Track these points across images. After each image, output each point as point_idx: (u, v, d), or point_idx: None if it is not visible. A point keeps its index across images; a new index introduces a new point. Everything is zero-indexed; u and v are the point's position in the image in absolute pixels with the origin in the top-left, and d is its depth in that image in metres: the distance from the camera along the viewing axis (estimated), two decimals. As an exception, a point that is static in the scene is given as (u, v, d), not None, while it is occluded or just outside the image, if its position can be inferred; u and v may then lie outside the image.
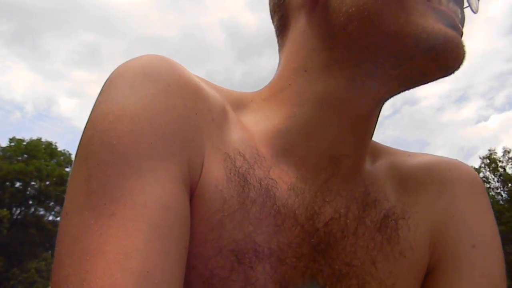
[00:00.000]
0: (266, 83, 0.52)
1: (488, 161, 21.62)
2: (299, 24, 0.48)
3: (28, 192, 25.93)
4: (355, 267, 0.44)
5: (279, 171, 0.44)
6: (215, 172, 0.41)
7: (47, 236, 24.28)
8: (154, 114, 0.38)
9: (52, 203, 26.26)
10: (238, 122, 0.46)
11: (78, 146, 0.38)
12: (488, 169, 21.44)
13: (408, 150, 0.54)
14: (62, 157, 28.44)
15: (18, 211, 26.17)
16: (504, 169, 21.38)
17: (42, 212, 26.10)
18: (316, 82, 0.45)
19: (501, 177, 21.13)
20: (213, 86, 0.47)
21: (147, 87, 0.39)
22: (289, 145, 0.46)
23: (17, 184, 25.71)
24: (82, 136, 0.38)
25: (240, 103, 0.49)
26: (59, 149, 28.85)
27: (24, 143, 28.13)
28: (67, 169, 27.57)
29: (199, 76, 0.45)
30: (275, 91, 0.48)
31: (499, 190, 21.24)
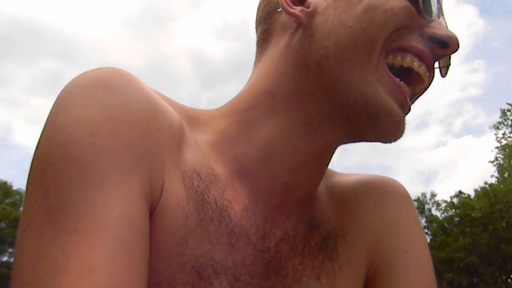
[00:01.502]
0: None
1: (416, 204, 24.25)
2: (279, 45, 0.49)
3: (-18, 235, 25.91)
4: (303, 283, 0.47)
5: (233, 192, 0.46)
6: (176, 190, 0.41)
7: (0, 279, 24.29)
8: (115, 127, 0.37)
9: (6, 246, 26.32)
10: (194, 141, 0.46)
11: (33, 159, 0.37)
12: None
13: (372, 173, 0.60)
14: (17, 196, 28.61)
15: (-30, 254, 26.01)
16: (430, 211, 24.05)
17: (-5, 254, 26.10)
18: (279, 111, 0.47)
19: (427, 218, 23.74)
20: (169, 101, 0.47)
21: (106, 99, 0.37)
22: (244, 168, 0.47)
23: (-29, 227, 25.68)
24: (37, 147, 0.37)
25: (196, 120, 0.49)
26: (14, 188, 29.06)
27: (-22, 183, 28.17)
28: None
29: (155, 90, 0.45)
30: (238, 109, 0.49)
31: (425, 230, 23.77)
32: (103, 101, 0.37)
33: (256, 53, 0.54)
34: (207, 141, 0.48)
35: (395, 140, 0.45)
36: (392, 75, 0.45)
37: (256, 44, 0.54)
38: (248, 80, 0.52)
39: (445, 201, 23.50)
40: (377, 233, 0.54)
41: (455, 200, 22.75)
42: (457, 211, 21.59)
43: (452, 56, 0.49)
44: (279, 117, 0.47)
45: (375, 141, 0.47)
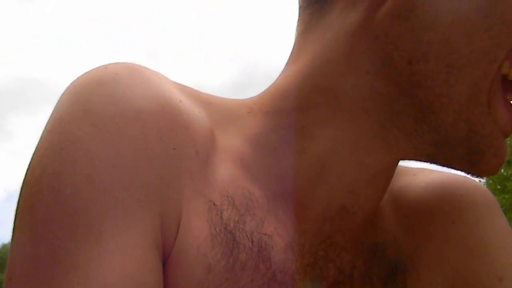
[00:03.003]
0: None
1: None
2: (348, 19, 0.34)
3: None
4: None
5: (275, 222, 0.35)
6: (197, 229, 0.32)
7: None
8: (119, 155, 0.29)
9: None
10: (226, 152, 0.36)
11: (23, 183, 0.30)
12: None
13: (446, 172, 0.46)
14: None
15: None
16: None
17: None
18: (343, 116, 0.35)
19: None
20: (197, 97, 0.37)
21: (110, 115, 0.29)
22: (292, 188, 0.37)
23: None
24: (28, 169, 0.30)
25: (230, 118, 0.38)
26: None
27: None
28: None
29: (179, 84, 0.36)
30: (285, 107, 0.36)
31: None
32: (104, 118, 0.29)
33: (302, 15, 0.37)
34: (244, 150, 0.36)
35: (487, 176, 0.36)
36: (508, 100, 0.34)
37: (301, 3, 0.38)
38: (291, 59, 0.37)
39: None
40: (458, 260, 0.41)
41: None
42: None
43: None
44: (343, 124, 0.35)
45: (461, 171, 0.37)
